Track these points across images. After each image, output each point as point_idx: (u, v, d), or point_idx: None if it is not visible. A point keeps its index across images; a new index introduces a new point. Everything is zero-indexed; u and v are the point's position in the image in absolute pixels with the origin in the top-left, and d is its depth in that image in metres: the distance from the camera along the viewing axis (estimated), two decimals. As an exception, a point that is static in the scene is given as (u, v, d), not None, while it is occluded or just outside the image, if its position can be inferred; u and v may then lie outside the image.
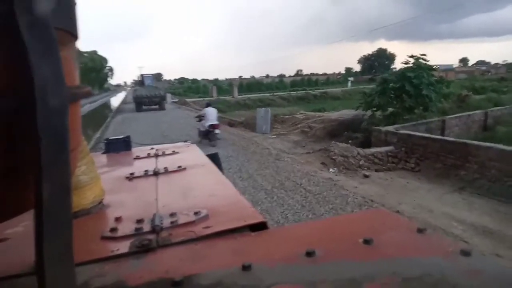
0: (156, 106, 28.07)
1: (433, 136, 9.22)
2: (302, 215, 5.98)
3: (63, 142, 0.41)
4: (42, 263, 0.40)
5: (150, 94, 27.62)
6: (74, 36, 0.51)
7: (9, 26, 0.36)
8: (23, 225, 0.96)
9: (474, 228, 5.38)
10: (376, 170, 8.61)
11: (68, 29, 0.48)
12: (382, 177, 8.13)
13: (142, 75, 32.33)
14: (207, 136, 11.79)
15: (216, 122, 11.85)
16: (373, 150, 9.41)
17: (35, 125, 0.37)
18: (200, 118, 12.46)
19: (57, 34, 0.41)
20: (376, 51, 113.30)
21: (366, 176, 8.14)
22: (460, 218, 5.76)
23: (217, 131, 11.76)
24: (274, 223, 5.64)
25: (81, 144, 0.73)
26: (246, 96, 42.26)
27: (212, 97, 40.48)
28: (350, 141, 11.25)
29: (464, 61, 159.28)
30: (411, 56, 12.46)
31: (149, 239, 0.79)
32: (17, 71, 0.37)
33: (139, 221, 0.90)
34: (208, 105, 12.89)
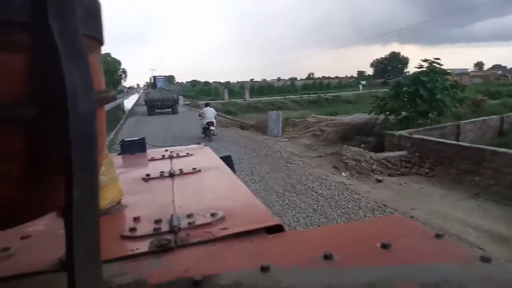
0: (169, 110, 26.97)
1: (447, 141, 9.11)
2: (314, 218, 5.96)
3: (92, 146, 0.42)
4: (72, 260, 0.42)
5: (163, 97, 26.54)
6: (100, 42, 0.52)
7: (43, 33, 0.37)
8: (43, 223, 0.99)
9: (489, 235, 5.28)
10: (389, 175, 8.53)
11: (95, 36, 0.50)
12: (395, 182, 8.05)
13: (154, 77, 31.66)
14: (205, 132, 13.62)
15: (212, 120, 13.57)
16: (386, 154, 9.33)
17: (66, 130, 0.38)
18: (201, 116, 14.10)
19: (85, 41, 0.42)
20: (389, 54, 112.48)
21: (378, 181, 8.07)
22: (475, 224, 5.66)
23: (212, 127, 13.54)
24: (286, 227, 5.60)
25: (105, 146, 0.75)
26: (257, 99, 42.33)
27: (224, 99, 40.50)
28: (362, 145, 11.18)
29: (479, 65, 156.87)
30: (425, 60, 12.35)
31: (168, 239, 0.80)
32: (47, 77, 0.39)
33: (157, 221, 0.91)
34: (207, 105, 14.88)
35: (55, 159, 0.41)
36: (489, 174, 7.26)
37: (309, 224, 5.74)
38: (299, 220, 5.90)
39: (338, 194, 7.07)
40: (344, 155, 9.37)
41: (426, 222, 5.70)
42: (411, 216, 5.95)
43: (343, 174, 8.67)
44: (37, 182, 0.42)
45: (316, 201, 6.76)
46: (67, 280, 0.44)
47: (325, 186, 7.63)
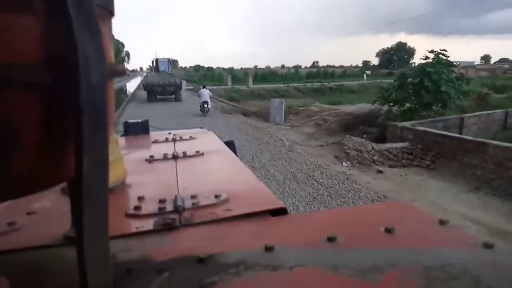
0: (171, 96, 24.35)
1: (450, 134, 9.07)
2: (314, 207, 5.99)
3: (103, 116, 0.42)
4: (82, 233, 0.42)
5: (164, 81, 23.72)
6: (111, 13, 0.52)
7: (58, 0, 0.37)
8: (48, 200, 1.00)
9: (488, 229, 5.30)
10: (390, 166, 8.52)
11: (106, 6, 0.49)
12: (396, 173, 8.06)
13: (156, 60, 28.32)
14: (202, 108, 17.20)
15: (207, 100, 17.18)
16: (388, 145, 9.30)
17: (77, 98, 0.38)
18: (199, 95, 17.94)
19: (98, 10, 0.42)
20: (396, 44, 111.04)
21: (379, 172, 8.07)
22: (475, 218, 5.68)
23: (205, 105, 17.18)
24: (285, 214, 5.65)
25: (113, 120, 0.74)
26: (260, 86, 42.01)
27: (227, 85, 40.19)
28: (364, 136, 11.14)
29: (486, 58, 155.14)
30: (431, 51, 12.22)
31: (172, 218, 0.80)
32: (60, 43, 0.38)
33: (162, 201, 0.92)
34: (203, 87, 18.71)
35: (67, 127, 0.41)
36: (491, 168, 7.25)
37: (308, 212, 5.77)
38: (298, 207, 5.94)
39: (339, 184, 7.09)
40: (346, 145, 9.36)
41: (426, 214, 5.71)
42: (411, 207, 5.96)
43: (344, 164, 8.67)
44: (51, 149, 0.42)
45: (316, 190, 6.79)
46: (72, 254, 0.44)
47: (326, 175, 7.65)
